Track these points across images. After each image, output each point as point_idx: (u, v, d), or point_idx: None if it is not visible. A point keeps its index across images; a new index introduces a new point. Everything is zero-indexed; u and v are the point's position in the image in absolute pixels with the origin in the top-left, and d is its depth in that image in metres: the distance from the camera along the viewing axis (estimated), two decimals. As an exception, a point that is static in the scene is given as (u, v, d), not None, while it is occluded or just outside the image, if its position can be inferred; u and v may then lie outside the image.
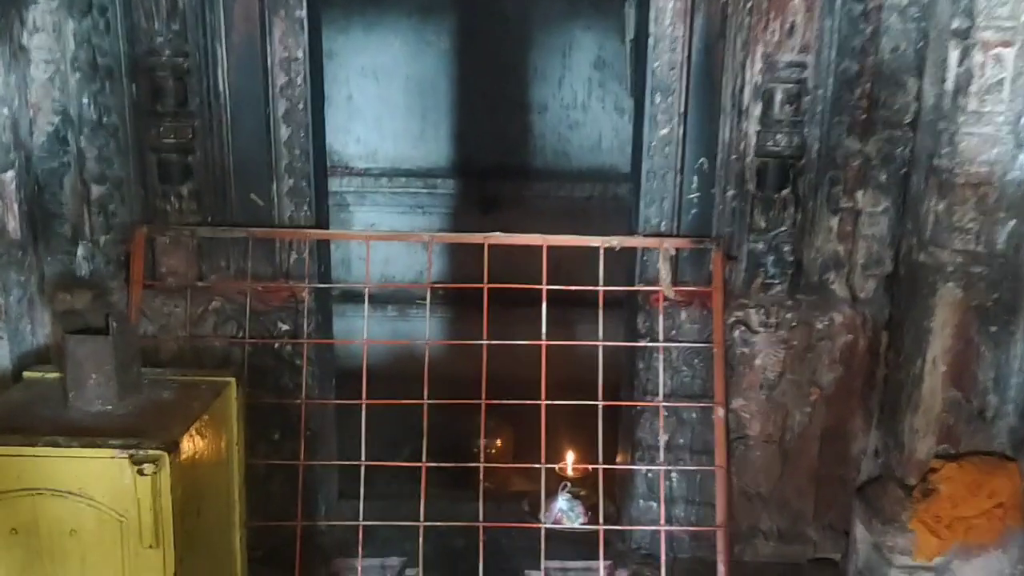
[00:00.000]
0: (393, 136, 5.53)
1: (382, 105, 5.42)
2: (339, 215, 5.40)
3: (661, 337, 2.94)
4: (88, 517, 2.08)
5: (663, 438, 2.98)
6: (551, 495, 3.31)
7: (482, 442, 3.22)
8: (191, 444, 2.20)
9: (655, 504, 3.11)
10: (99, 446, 2.05)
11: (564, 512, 3.36)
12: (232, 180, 2.92)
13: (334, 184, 5.20)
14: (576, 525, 3.32)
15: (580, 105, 5.51)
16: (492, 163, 5.46)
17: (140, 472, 2.00)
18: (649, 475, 3.10)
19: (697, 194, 2.94)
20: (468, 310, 4.11)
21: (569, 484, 3.39)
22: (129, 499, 2.04)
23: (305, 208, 2.98)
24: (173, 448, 2.06)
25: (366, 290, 3.01)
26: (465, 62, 5.37)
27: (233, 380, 2.51)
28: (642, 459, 3.10)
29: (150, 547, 2.07)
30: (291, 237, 2.95)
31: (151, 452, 2.01)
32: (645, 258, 3.01)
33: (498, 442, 4.16)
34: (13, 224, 2.78)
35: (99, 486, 2.06)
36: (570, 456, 3.81)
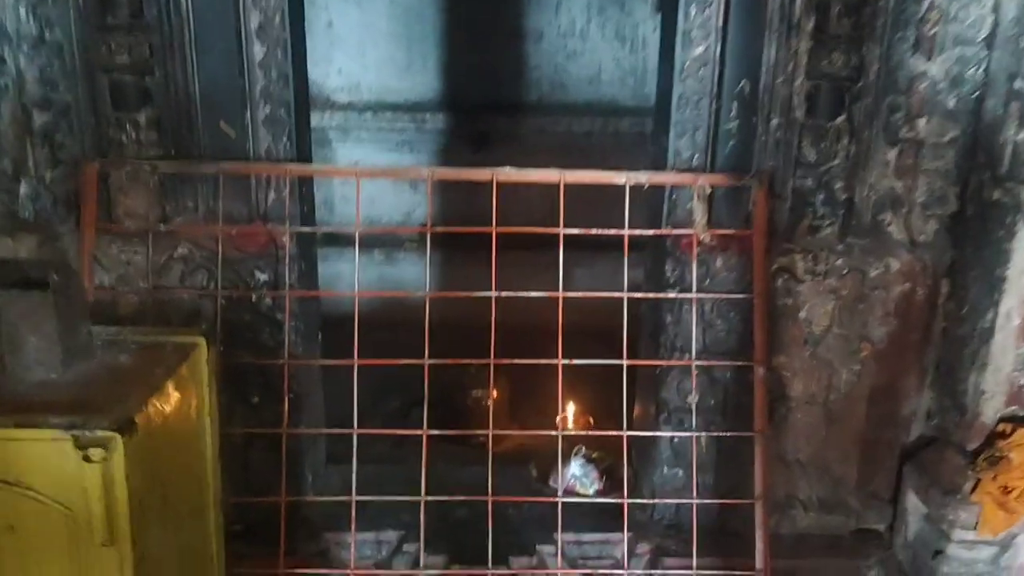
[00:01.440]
0: (377, 67, 5.10)
1: (365, 33, 4.98)
2: (320, 152, 5.07)
3: (694, 287, 2.58)
4: (28, 511, 1.71)
5: (694, 400, 2.64)
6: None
7: (490, 407, 2.85)
8: (151, 419, 1.83)
9: (680, 471, 2.80)
10: (37, 426, 1.67)
11: (577, 479, 3.04)
12: (198, 106, 2.50)
13: (314, 119, 4.79)
14: (591, 494, 3.00)
15: (579, 33, 5.10)
16: (484, 96, 5.05)
17: (86, 458, 1.63)
18: (675, 440, 2.77)
19: (736, 123, 2.56)
20: (459, 252, 4.01)
21: (583, 447, 3.06)
22: (76, 489, 1.68)
23: (284, 140, 2.58)
24: (127, 427, 1.68)
25: (356, 235, 2.63)
26: (455, -15, 4.92)
27: (203, 339, 2.14)
28: (667, 422, 2.76)
29: (103, 545, 1.71)
30: (268, 173, 2.55)
31: (100, 434, 1.64)
32: (675, 197, 2.64)
33: (494, 392, 3.90)
34: (-59, 159, 2.37)
35: (40, 473, 1.69)
36: (571, 408, 3.55)
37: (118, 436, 1.65)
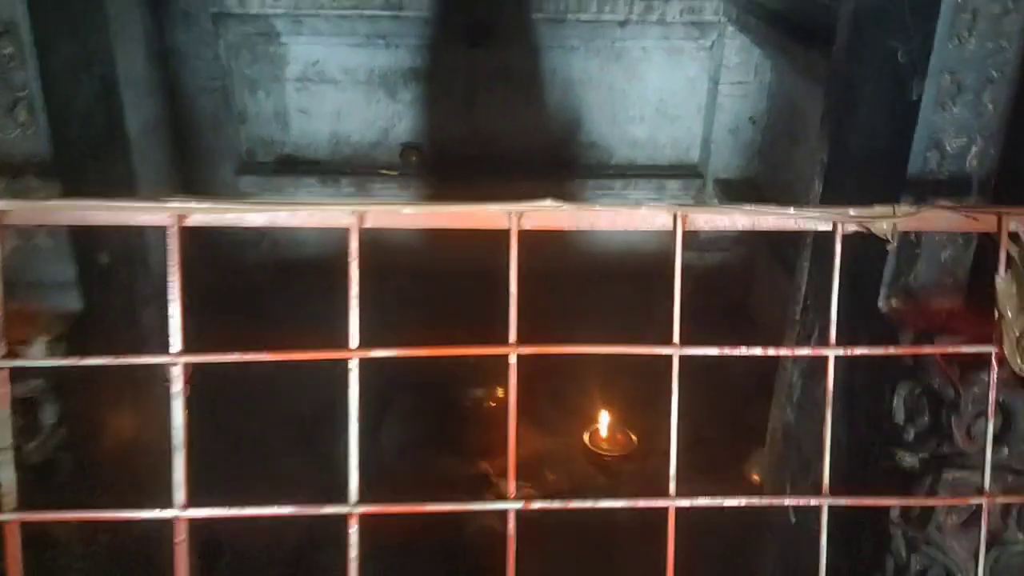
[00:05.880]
0: (337, -75, 3.74)
1: None
2: (267, 49, 3.81)
3: (986, 480, 1.09)
4: None
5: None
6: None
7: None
8: None
9: None
10: None
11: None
12: None
13: (254, 4, 3.66)
14: None
15: None
16: (481, -27, 3.87)
17: None
18: None
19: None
20: (451, 179, 3.61)
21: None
22: None
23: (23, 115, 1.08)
24: None
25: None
26: None
27: None
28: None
29: None
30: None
31: None
32: (918, 246, 1.15)
33: (499, 392, 3.17)
34: None
35: None
36: (604, 420, 2.86)
37: None
